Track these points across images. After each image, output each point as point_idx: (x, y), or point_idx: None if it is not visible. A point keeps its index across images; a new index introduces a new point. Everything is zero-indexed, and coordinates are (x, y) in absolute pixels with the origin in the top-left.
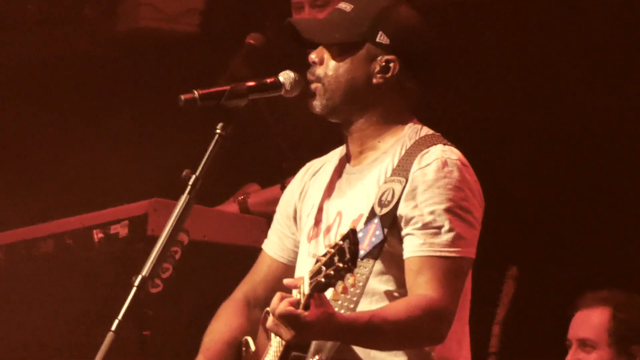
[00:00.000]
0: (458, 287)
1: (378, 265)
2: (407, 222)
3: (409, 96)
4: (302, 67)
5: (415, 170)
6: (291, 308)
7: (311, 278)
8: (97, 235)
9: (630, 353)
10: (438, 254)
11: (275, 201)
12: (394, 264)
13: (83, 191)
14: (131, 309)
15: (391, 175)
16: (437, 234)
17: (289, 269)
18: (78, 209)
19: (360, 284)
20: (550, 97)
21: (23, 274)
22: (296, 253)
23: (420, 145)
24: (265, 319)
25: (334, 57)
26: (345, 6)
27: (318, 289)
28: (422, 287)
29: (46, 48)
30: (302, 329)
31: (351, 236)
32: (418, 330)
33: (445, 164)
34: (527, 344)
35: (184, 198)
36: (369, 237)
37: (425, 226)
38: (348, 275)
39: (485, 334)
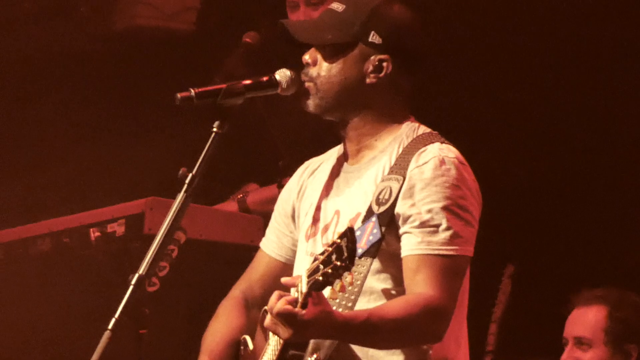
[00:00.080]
0: (456, 286)
1: (376, 264)
2: (405, 220)
3: (403, 94)
4: (298, 65)
5: (413, 168)
6: (289, 307)
7: (309, 276)
8: (94, 233)
9: (626, 351)
10: (436, 252)
11: (274, 200)
12: (392, 263)
13: (80, 189)
14: (128, 307)
15: (389, 174)
16: (435, 232)
17: (286, 268)
18: (75, 207)
19: (358, 282)
20: (548, 96)
21: (20, 272)
22: (294, 252)
23: (418, 143)
24: (263, 317)
25: (326, 58)
26: (338, 6)
27: (316, 287)
28: (420, 286)
29: (42, 45)
30: (299, 328)
31: (349, 234)
32: (416, 328)
33: (442, 162)
34: (524, 342)
35: (180, 196)
36: (367, 235)
37: (422, 224)
38: (346, 273)
39: (482, 332)
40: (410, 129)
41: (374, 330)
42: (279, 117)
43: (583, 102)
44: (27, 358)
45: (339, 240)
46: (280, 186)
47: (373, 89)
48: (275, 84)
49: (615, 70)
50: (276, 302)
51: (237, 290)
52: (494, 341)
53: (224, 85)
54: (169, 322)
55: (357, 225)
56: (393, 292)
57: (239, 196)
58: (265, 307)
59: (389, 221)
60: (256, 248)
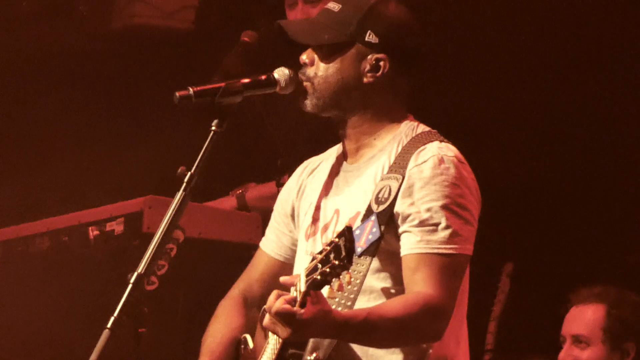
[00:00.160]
0: (455, 284)
1: (375, 263)
2: (404, 219)
3: (401, 93)
4: (296, 64)
5: (412, 167)
6: (287, 306)
7: (307, 276)
8: (93, 232)
9: (624, 350)
10: (435, 251)
11: (272, 196)
12: (391, 261)
13: (78, 188)
14: (127, 306)
15: (388, 173)
16: (434, 231)
17: (286, 267)
18: (74, 206)
19: (358, 281)
20: (546, 95)
21: (19, 270)
22: (293, 251)
23: (417, 142)
24: (263, 317)
25: (323, 58)
26: (334, 6)
27: (314, 286)
28: (420, 285)
29: (41, 45)
30: (298, 327)
31: (347, 234)
32: (415, 327)
33: (441, 160)
34: (523, 340)
35: (179, 195)
36: (366, 234)
37: (422, 223)
38: (344, 273)
39: (481, 331)
40: (409, 128)
41: (373, 329)
42: (278, 116)
43: (582, 100)
44: (26, 356)
45: (337, 240)
46: (279, 184)
47: (371, 88)
48: (273, 82)
49: (615, 70)
50: (275, 302)
51: (237, 290)
52: (493, 339)
53: (222, 84)
54: (168, 320)
55: (357, 224)
56: (392, 291)
57: (237, 192)
58: (265, 307)
59: (388, 220)
60: (255, 246)
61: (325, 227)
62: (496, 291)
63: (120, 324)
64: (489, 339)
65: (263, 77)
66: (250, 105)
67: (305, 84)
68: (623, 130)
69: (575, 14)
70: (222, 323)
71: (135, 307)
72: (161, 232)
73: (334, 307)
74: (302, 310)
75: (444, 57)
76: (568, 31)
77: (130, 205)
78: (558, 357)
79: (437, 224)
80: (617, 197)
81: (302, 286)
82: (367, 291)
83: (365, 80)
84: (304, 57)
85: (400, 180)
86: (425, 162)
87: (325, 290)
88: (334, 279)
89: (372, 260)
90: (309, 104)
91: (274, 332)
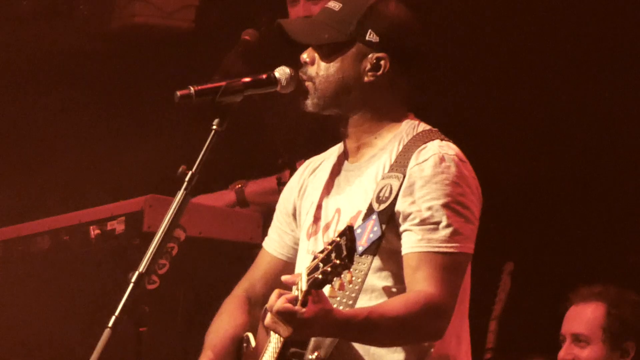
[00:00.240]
0: (456, 283)
1: (376, 262)
2: (405, 218)
3: (402, 92)
4: (297, 63)
5: (413, 166)
6: (288, 305)
7: (308, 275)
8: (94, 231)
9: (623, 349)
10: (436, 249)
11: (272, 192)
12: (393, 260)
13: (79, 187)
14: (128, 305)
15: (389, 171)
16: (435, 229)
17: (288, 266)
18: (74, 205)
19: (359, 280)
20: (546, 95)
21: (19, 270)
22: (296, 250)
23: (418, 141)
24: (264, 315)
25: (324, 57)
26: (334, 5)
27: (315, 285)
28: (421, 283)
29: (41, 45)
30: (299, 326)
31: (348, 233)
32: (417, 326)
33: (442, 159)
34: (524, 339)
35: (180, 194)
36: (367, 233)
37: (423, 222)
38: (345, 272)
39: (482, 330)
40: (410, 127)
41: (374, 328)
42: (278, 115)
43: (582, 99)
44: (26, 356)
45: (338, 239)
46: (279, 181)
47: (371, 88)
48: (274, 81)
49: (615, 70)
50: (276, 300)
51: (240, 289)
52: (494, 338)
53: (223, 83)
54: (169, 319)
55: (358, 223)
56: (394, 289)
57: (237, 186)
58: (266, 306)
59: (389, 219)
60: (255, 245)
61: (327, 226)
62: (497, 290)
63: (121, 323)
64: (489, 338)
65: (264, 76)
66: (251, 104)
67: (306, 83)
68: (623, 130)
69: (575, 14)
70: (226, 320)
71: (136, 306)
72: (162, 231)
73: (335, 306)
74: (304, 309)
75: (444, 57)
76: (568, 31)
77: (131, 204)
78: (558, 356)
79: (438, 223)
80: (617, 197)
81: (304, 285)
82: (368, 290)
83: (365, 79)
84: (304, 56)
85: (401, 179)
86: (426, 160)
87: (326, 289)
88: (335, 278)
89: (373, 259)
90: (309, 103)
91: (276, 331)
